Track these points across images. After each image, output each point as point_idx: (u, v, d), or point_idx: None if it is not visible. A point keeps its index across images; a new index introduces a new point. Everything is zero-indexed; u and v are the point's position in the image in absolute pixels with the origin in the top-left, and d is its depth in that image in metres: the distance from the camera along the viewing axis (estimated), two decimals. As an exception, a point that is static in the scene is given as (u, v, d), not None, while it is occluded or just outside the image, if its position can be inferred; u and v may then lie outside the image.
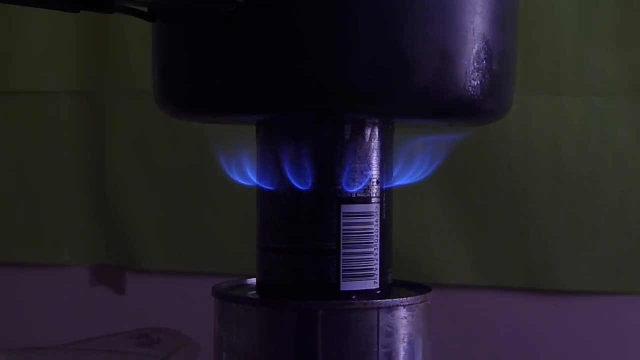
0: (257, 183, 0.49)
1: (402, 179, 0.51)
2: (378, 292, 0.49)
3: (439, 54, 0.45)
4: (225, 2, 0.43)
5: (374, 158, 0.48)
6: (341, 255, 0.48)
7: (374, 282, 0.48)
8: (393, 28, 0.44)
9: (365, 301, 0.47)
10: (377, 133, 0.48)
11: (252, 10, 0.44)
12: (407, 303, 0.48)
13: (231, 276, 0.56)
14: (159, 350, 0.76)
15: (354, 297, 0.48)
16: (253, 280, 0.52)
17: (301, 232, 0.48)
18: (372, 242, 0.48)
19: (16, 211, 1.04)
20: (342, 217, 0.47)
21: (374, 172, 0.48)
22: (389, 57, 0.44)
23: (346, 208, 0.48)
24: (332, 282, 0.48)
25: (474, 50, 0.46)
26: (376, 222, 0.48)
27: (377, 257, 0.48)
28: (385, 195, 0.49)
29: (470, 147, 0.89)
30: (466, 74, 0.45)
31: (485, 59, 0.46)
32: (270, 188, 0.48)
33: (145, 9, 0.48)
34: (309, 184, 0.47)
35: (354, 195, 0.48)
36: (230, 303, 0.49)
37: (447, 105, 0.46)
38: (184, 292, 0.99)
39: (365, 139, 0.48)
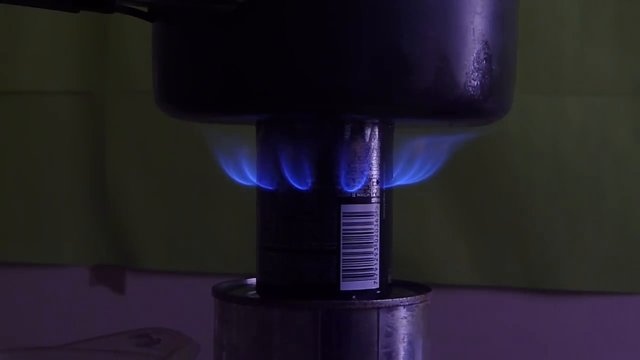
0: (257, 183, 0.49)
1: (402, 179, 0.51)
2: (378, 292, 0.49)
3: (439, 54, 0.45)
4: (225, 2, 0.44)
5: (374, 158, 0.48)
6: (341, 255, 0.48)
7: (374, 282, 0.48)
8: (393, 28, 0.44)
9: (365, 301, 0.47)
10: (377, 133, 0.48)
11: (252, 10, 0.44)
12: (407, 303, 0.48)
13: (231, 276, 0.56)
14: (159, 350, 0.76)
15: (354, 297, 0.48)
16: (253, 280, 0.52)
17: (301, 232, 0.48)
18: (372, 242, 0.48)
19: (16, 211, 1.04)
20: (342, 217, 0.47)
21: (374, 172, 0.48)
22: (389, 58, 0.44)
23: (346, 208, 0.48)
24: (332, 282, 0.48)
25: (474, 51, 0.46)
26: (376, 222, 0.48)
27: (377, 257, 0.48)
28: (385, 195, 0.49)
29: (470, 147, 0.89)
30: (466, 74, 0.45)
31: (485, 59, 0.46)
32: (270, 188, 0.48)
33: (145, 9, 0.48)
34: (309, 184, 0.47)
35: (354, 195, 0.48)
36: (230, 303, 0.49)
37: (447, 106, 0.46)
38: (184, 292, 0.99)
39: (365, 139, 0.48)
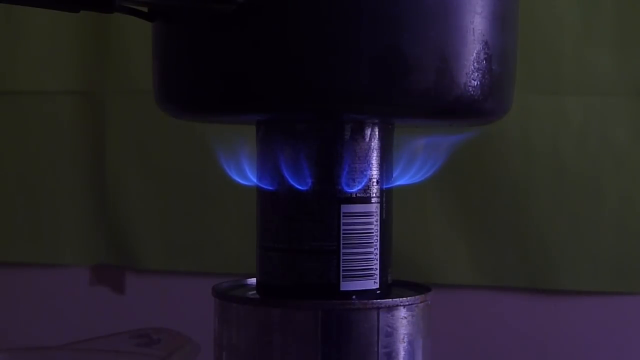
0: (257, 183, 0.49)
1: (402, 179, 0.51)
2: (378, 292, 0.49)
3: (439, 55, 0.45)
4: (225, 2, 0.44)
5: (374, 158, 0.48)
6: (341, 255, 0.48)
7: (374, 282, 0.48)
8: (393, 28, 0.44)
9: (365, 301, 0.47)
10: (377, 133, 0.48)
11: (252, 10, 0.44)
12: (407, 303, 0.48)
13: (231, 276, 0.56)
14: (159, 350, 0.76)
15: (354, 297, 0.48)
16: (253, 280, 0.52)
17: (301, 232, 0.48)
18: (372, 242, 0.48)
19: (16, 211, 1.04)
20: (342, 217, 0.47)
21: (374, 172, 0.48)
22: (389, 58, 0.44)
23: (346, 208, 0.48)
24: (332, 282, 0.48)
25: (474, 51, 0.46)
26: (376, 222, 0.48)
27: (377, 257, 0.48)
28: (385, 195, 0.49)
29: (470, 147, 0.89)
30: (466, 74, 0.45)
31: (485, 59, 0.46)
32: (270, 188, 0.48)
33: (145, 9, 0.48)
34: (309, 184, 0.47)
35: (354, 195, 0.48)
36: (230, 303, 0.49)
37: (447, 106, 0.46)
38: (184, 292, 0.99)
39: (365, 139, 0.48)
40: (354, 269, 0.48)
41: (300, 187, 0.47)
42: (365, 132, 0.48)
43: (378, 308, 0.47)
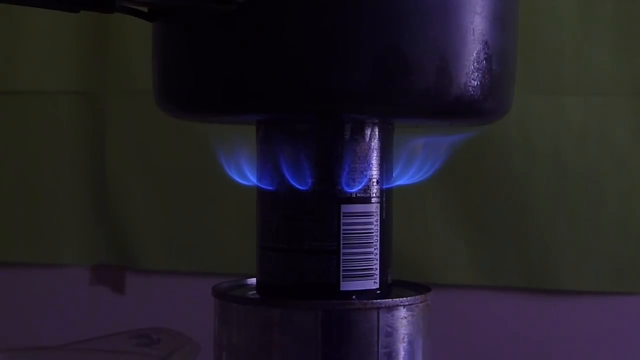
0: (257, 183, 0.49)
1: (402, 179, 0.51)
2: (378, 292, 0.49)
3: (439, 55, 0.45)
4: (225, 2, 0.44)
5: (374, 158, 0.48)
6: (341, 255, 0.48)
7: (374, 282, 0.48)
8: (393, 28, 0.44)
9: (365, 301, 0.47)
10: (377, 133, 0.48)
11: (252, 10, 0.44)
12: (407, 303, 0.48)
13: (231, 276, 0.56)
14: (159, 350, 0.76)
15: (354, 297, 0.48)
16: (253, 280, 0.52)
17: (301, 232, 0.48)
18: (372, 242, 0.48)
19: (16, 211, 1.04)
20: (342, 217, 0.47)
21: (374, 172, 0.48)
22: (389, 58, 0.44)
23: (346, 208, 0.48)
24: (332, 282, 0.48)
25: (474, 51, 0.46)
26: (376, 222, 0.48)
27: (377, 257, 0.48)
28: (385, 195, 0.49)
29: (470, 147, 0.89)
30: (466, 74, 0.45)
31: (485, 59, 0.46)
32: (270, 188, 0.48)
33: (145, 9, 0.48)
34: (309, 184, 0.47)
35: (354, 195, 0.48)
36: (230, 303, 0.49)
37: (447, 106, 0.46)
38: (184, 292, 0.99)
39: (365, 139, 0.48)
40: (354, 269, 0.48)
41: (300, 187, 0.47)
42: (365, 132, 0.48)
43: (378, 308, 0.47)
